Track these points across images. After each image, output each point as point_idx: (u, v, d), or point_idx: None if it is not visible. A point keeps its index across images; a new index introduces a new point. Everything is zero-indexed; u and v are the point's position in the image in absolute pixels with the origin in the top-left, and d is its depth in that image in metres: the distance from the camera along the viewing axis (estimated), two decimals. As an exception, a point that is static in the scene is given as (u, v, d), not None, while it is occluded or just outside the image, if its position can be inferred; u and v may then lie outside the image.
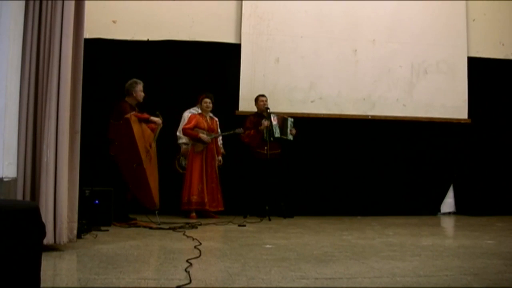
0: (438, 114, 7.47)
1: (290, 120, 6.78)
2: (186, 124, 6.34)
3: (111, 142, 5.59)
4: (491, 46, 7.66)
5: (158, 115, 5.73)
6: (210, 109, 6.47)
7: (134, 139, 5.43)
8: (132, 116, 5.48)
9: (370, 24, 7.39)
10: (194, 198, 6.20)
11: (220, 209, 6.36)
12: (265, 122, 6.54)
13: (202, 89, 6.62)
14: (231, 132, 6.55)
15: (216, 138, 6.46)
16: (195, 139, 6.32)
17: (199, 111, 6.54)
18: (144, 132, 5.61)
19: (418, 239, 4.69)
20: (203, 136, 6.29)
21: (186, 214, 6.23)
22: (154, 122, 5.70)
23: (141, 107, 5.81)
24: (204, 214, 6.28)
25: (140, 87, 5.74)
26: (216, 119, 6.68)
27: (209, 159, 6.37)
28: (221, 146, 6.66)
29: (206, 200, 6.22)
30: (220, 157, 6.54)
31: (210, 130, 6.40)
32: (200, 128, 6.33)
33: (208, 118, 6.48)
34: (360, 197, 7.17)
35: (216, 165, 6.45)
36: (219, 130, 6.59)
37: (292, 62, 7.22)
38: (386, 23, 7.44)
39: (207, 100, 6.43)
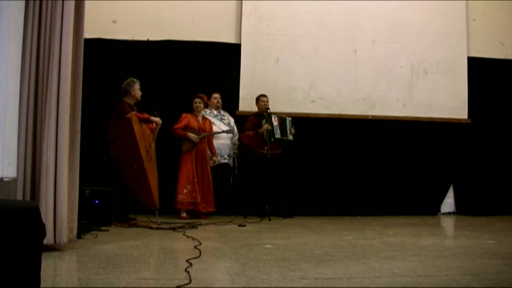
0: (438, 114, 7.47)
1: (288, 119, 6.78)
2: (176, 123, 6.29)
3: (110, 142, 5.59)
4: (491, 46, 7.66)
5: (156, 115, 5.75)
6: (200, 109, 6.44)
7: (135, 139, 5.44)
8: (133, 116, 5.50)
9: (370, 24, 7.39)
10: (180, 197, 6.13)
11: (210, 210, 6.28)
12: (265, 125, 6.53)
13: (202, 89, 6.62)
14: (220, 132, 6.51)
15: (204, 138, 6.33)
16: (184, 139, 6.28)
17: (208, 111, 6.62)
18: (144, 132, 5.62)
19: (418, 239, 4.69)
20: (191, 135, 6.24)
21: (179, 213, 6.17)
22: (155, 122, 5.73)
23: (140, 106, 5.82)
24: (196, 214, 6.21)
25: (137, 85, 5.79)
26: (229, 117, 6.71)
27: (199, 159, 6.30)
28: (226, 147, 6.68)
29: (199, 200, 6.15)
30: (214, 158, 6.48)
31: (201, 130, 6.34)
32: (191, 127, 6.29)
33: (200, 118, 6.45)
34: (360, 197, 7.17)
35: (209, 165, 6.38)
36: (219, 130, 6.55)
37: (292, 62, 7.23)
38: (386, 23, 7.44)
39: (197, 100, 6.40)
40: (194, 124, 6.34)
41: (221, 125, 6.64)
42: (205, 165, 6.34)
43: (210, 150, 6.47)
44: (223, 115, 6.77)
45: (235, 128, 6.79)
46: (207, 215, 6.27)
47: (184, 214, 6.17)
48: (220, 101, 6.73)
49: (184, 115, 6.36)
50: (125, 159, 5.49)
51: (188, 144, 6.28)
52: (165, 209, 6.01)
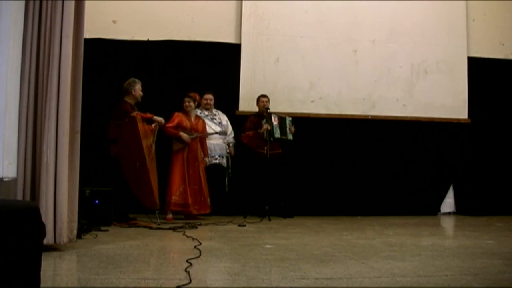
0: (438, 114, 7.47)
1: (288, 119, 6.78)
2: (168, 122, 6.08)
3: (111, 142, 5.59)
4: (491, 46, 7.66)
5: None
6: (191, 108, 6.25)
7: (139, 138, 5.45)
8: (137, 115, 5.51)
9: (370, 24, 7.39)
10: (174, 199, 5.93)
11: (203, 211, 6.09)
12: (265, 125, 6.52)
13: (202, 89, 6.61)
14: (213, 133, 6.42)
15: (196, 138, 6.19)
16: (176, 138, 6.10)
17: (198, 111, 6.54)
18: (146, 131, 5.63)
19: (418, 239, 4.69)
20: (183, 135, 6.06)
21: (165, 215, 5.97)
22: (157, 122, 5.74)
23: (140, 106, 5.82)
24: (189, 216, 6.05)
25: (139, 86, 5.78)
26: (221, 116, 6.65)
27: (191, 160, 6.11)
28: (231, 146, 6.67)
29: (190, 201, 5.96)
30: (206, 158, 6.34)
31: (193, 130, 6.18)
32: (183, 127, 6.12)
33: (193, 117, 6.29)
34: (360, 197, 7.17)
35: (202, 166, 6.20)
36: (210, 130, 6.42)
37: (292, 62, 7.22)
38: (386, 23, 7.44)
39: (186, 99, 6.23)
40: (186, 123, 6.16)
41: (212, 125, 6.51)
42: (197, 166, 6.15)
43: (203, 150, 6.30)
44: (215, 115, 6.65)
45: (230, 126, 6.70)
46: (203, 216, 6.10)
47: (170, 216, 5.95)
48: (211, 102, 6.58)
49: (176, 113, 6.19)
50: (128, 158, 5.48)
51: (179, 144, 6.09)
52: (164, 209, 5.98)
